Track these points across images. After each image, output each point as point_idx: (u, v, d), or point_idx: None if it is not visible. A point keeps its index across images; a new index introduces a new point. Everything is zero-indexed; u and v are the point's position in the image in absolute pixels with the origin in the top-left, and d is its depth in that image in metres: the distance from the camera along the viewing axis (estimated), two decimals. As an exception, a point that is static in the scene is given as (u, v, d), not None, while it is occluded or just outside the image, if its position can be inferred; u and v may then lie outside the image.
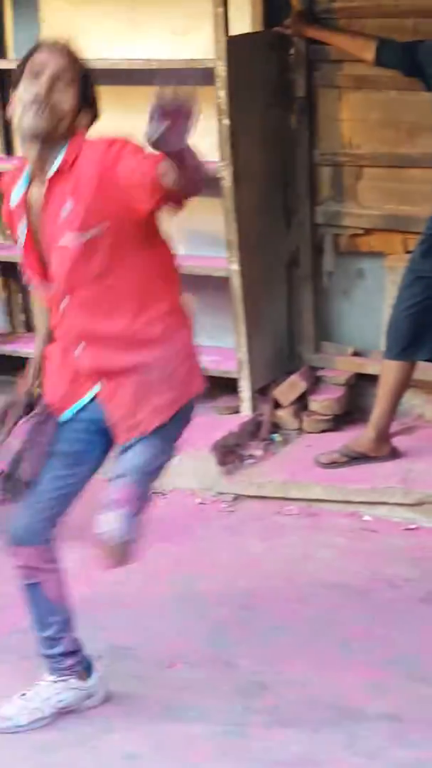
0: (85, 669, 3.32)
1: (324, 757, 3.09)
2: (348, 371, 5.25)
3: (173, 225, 3.27)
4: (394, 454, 4.79)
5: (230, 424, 5.06)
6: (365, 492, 4.57)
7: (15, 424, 3.15)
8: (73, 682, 3.29)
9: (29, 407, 3.16)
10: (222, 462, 4.86)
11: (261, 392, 5.22)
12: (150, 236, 3.01)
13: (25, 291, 5.95)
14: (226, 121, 4.82)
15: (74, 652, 3.30)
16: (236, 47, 4.80)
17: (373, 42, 4.70)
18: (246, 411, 5.16)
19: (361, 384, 5.20)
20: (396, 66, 4.69)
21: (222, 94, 4.79)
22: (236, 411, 5.18)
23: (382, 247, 5.18)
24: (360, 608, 3.73)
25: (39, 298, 3.31)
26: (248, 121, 4.94)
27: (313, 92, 5.15)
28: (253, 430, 5.08)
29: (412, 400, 5.04)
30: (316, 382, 5.27)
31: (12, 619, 3.79)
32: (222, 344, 5.30)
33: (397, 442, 4.85)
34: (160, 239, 3.08)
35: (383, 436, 4.77)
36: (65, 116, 2.96)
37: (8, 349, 5.81)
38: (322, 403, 5.16)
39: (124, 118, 5.44)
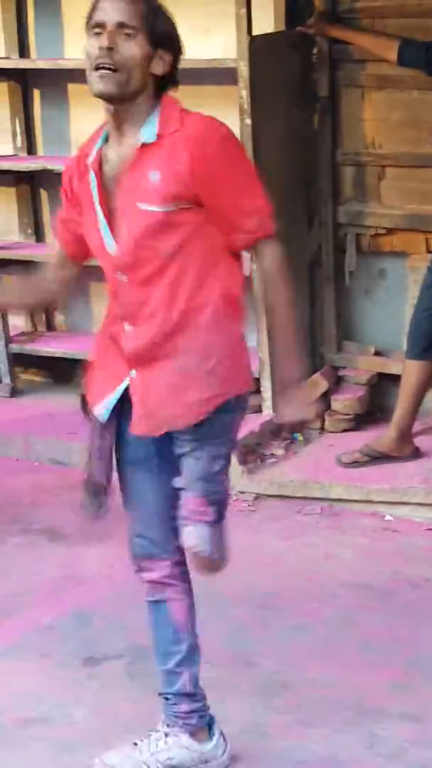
0: (204, 726, 3.02)
1: (345, 757, 3.08)
2: (370, 371, 5.25)
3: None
4: (416, 453, 4.78)
5: (252, 423, 5.01)
6: (387, 492, 4.56)
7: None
8: (185, 740, 2.98)
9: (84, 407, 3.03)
10: (243, 461, 4.84)
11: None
12: None
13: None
14: (248, 121, 4.82)
15: (192, 695, 3.00)
16: (258, 47, 4.80)
17: (395, 42, 4.70)
18: (268, 410, 5.13)
19: (383, 384, 5.19)
20: (419, 66, 4.69)
21: (244, 94, 4.79)
22: (258, 410, 5.15)
23: (404, 246, 5.17)
24: (381, 608, 3.71)
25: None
26: (271, 120, 4.93)
27: (336, 92, 5.16)
28: (274, 430, 5.07)
29: (435, 399, 5.02)
30: (338, 382, 5.26)
31: (34, 616, 3.81)
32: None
33: (419, 441, 4.84)
34: None
35: (405, 436, 4.76)
36: (134, 68, 2.68)
37: (29, 348, 5.81)
38: (343, 402, 5.15)
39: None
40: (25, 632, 3.74)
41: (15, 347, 5.73)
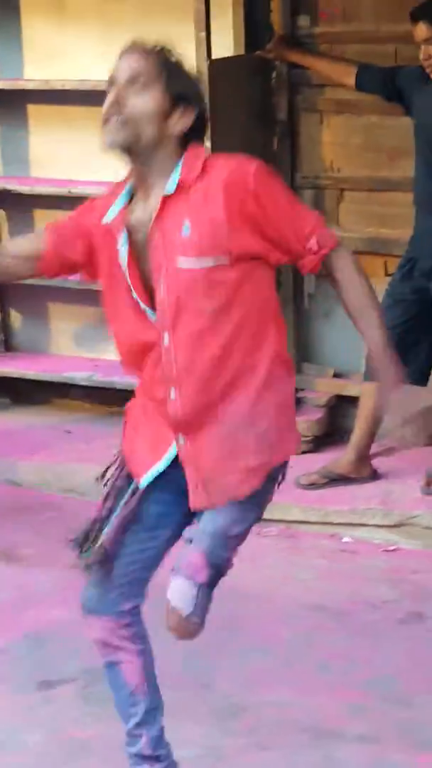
0: None
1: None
2: (328, 393, 5.25)
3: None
4: (375, 475, 4.79)
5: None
6: (345, 513, 4.55)
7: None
8: None
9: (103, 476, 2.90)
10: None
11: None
12: (273, 275, 2.75)
13: (4, 310, 5.95)
14: (208, 143, 4.80)
15: (153, 757, 2.88)
16: (218, 71, 4.80)
17: (353, 67, 4.74)
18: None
19: (342, 405, 5.19)
20: (376, 91, 4.73)
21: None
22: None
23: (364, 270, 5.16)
24: (339, 630, 3.70)
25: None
26: (230, 143, 4.91)
27: (295, 116, 5.18)
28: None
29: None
30: (297, 403, 5.23)
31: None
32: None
33: (378, 463, 4.85)
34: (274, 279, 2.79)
35: (363, 458, 4.76)
36: (148, 122, 2.61)
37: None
38: (302, 424, 5.11)
39: (100, 146, 5.50)
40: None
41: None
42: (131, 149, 2.63)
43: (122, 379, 5.33)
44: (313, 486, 4.71)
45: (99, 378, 5.48)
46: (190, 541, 2.72)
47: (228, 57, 5.03)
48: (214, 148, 4.78)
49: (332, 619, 3.77)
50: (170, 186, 2.62)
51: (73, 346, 5.83)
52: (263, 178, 2.64)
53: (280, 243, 2.65)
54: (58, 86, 5.37)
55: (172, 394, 2.67)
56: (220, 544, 2.73)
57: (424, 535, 4.47)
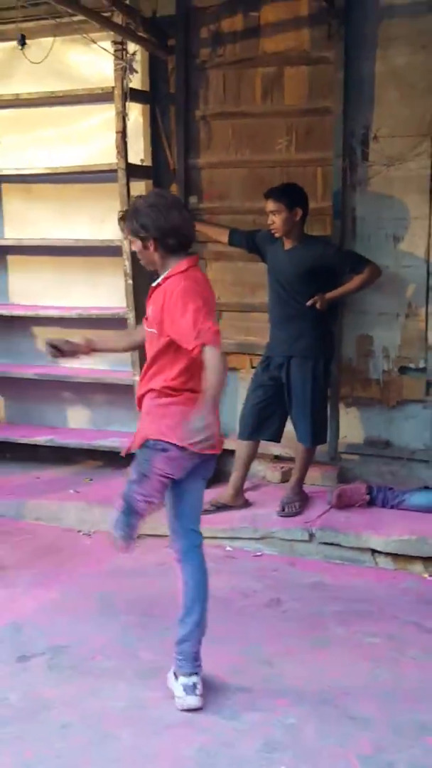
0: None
1: (199, 718, 3.02)
2: (215, 447, 5.25)
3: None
4: (246, 504, 4.76)
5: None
6: (227, 530, 4.52)
7: None
8: None
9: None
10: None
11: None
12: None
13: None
14: (130, 281, 4.87)
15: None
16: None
17: (227, 230, 4.82)
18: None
19: (224, 456, 5.13)
20: (242, 246, 4.80)
21: (127, 263, 4.85)
22: (140, 476, 5.14)
23: (236, 364, 5.19)
24: (223, 612, 3.65)
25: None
26: (145, 280, 4.93)
27: (188, 262, 5.20)
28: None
29: (257, 466, 5.04)
30: (193, 455, 5.25)
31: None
32: (129, 429, 5.17)
33: (248, 495, 4.83)
34: None
35: (239, 492, 4.75)
36: (141, 256, 3.07)
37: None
38: (197, 469, 5.14)
39: (60, 280, 5.52)
40: None
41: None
42: (148, 269, 3.12)
43: (74, 441, 5.34)
44: (205, 512, 4.67)
45: (57, 441, 5.42)
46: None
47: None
48: (134, 284, 4.84)
49: (219, 604, 3.70)
50: (155, 282, 3.07)
51: (40, 418, 5.76)
52: (175, 299, 2.92)
53: (178, 331, 2.92)
54: (27, 243, 5.37)
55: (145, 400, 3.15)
56: (128, 484, 3.04)
57: (281, 544, 4.46)
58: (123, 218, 4.42)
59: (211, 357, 2.84)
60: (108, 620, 3.64)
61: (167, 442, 2.98)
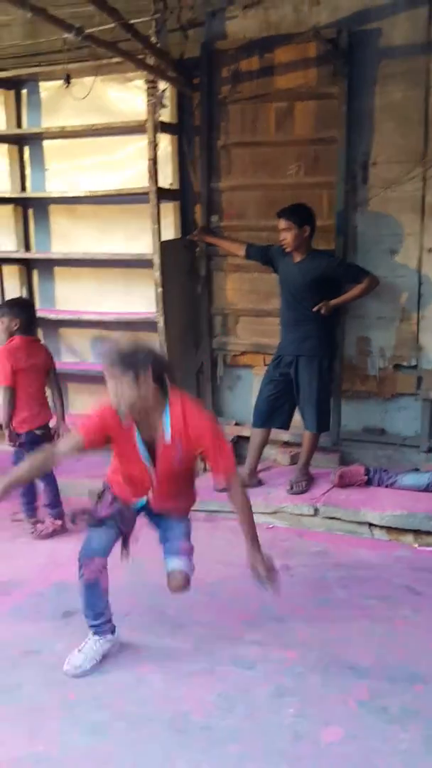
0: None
1: (219, 668, 3.05)
2: (232, 433, 5.21)
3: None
4: (260, 483, 4.75)
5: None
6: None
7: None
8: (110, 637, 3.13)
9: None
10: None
11: (182, 447, 5.20)
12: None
13: None
14: (160, 289, 4.87)
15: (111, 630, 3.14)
16: (166, 247, 4.84)
17: (243, 245, 4.80)
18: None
19: (240, 441, 5.16)
20: (257, 259, 4.78)
21: (157, 274, 4.83)
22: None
23: (250, 362, 5.21)
24: (240, 577, 3.62)
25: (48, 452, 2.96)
26: (173, 289, 4.99)
27: (210, 273, 5.19)
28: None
29: (269, 450, 5.03)
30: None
31: (33, 586, 3.68)
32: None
33: (261, 476, 4.82)
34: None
35: (253, 472, 4.75)
36: (127, 398, 2.73)
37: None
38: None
39: (99, 289, 5.53)
40: (26, 597, 3.63)
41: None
42: (131, 413, 2.78)
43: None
44: (223, 490, 4.69)
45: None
46: (166, 540, 3.05)
47: (171, 239, 5.06)
48: (164, 291, 4.85)
49: (236, 570, 3.72)
50: (167, 436, 2.82)
51: (83, 407, 5.78)
52: (211, 432, 2.85)
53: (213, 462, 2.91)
54: (71, 256, 5.38)
55: (150, 494, 3.02)
56: (187, 537, 3.09)
57: (290, 518, 4.46)
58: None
59: (239, 492, 3.02)
60: (139, 583, 3.66)
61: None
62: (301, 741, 2.64)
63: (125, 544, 3.13)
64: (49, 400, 4.44)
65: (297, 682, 2.96)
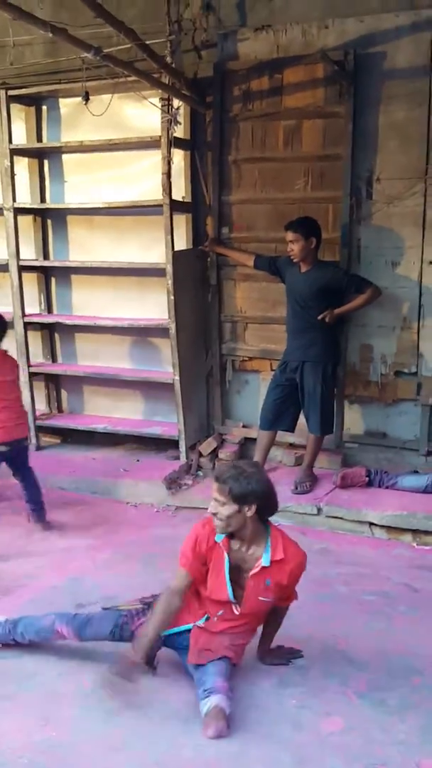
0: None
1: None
2: (239, 435, 5.24)
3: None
4: (266, 482, 4.76)
5: (174, 465, 5.02)
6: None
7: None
8: None
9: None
10: (169, 487, 4.81)
11: (191, 448, 5.20)
12: None
13: (57, 388, 5.91)
14: (172, 297, 4.89)
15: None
16: (178, 257, 4.87)
17: (252, 256, 4.83)
18: (183, 458, 5.14)
19: (248, 443, 5.19)
20: (265, 269, 4.80)
21: (170, 282, 4.86)
22: (177, 458, 5.17)
23: (258, 367, 5.21)
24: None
25: (177, 593, 2.78)
26: (184, 297, 5.01)
27: (221, 282, 5.19)
28: (187, 469, 5.05)
29: (275, 452, 5.05)
30: (222, 442, 5.27)
31: (47, 579, 3.69)
32: (170, 420, 5.30)
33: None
34: None
35: (259, 473, 4.75)
36: (230, 519, 2.66)
37: (49, 422, 5.70)
38: (225, 453, 5.15)
39: (115, 296, 5.55)
40: (42, 590, 3.64)
41: (39, 422, 5.62)
42: (227, 533, 2.73)
43: (124, 429, 5.38)
44: None
45: (110, 428, 5.46)
46: (202, 682, 2.73)
47: (183, 249, 5.07)
48: (176, 299, 4.87)
49: None
50: (266, 561, 2.73)
51: (96, 409, 5.81)
52: (302, 570, 2.79)
53: (287, 592, 2.83)
54: (89, 264, 5.39)
55: (215, 619, 2.82)
56: (226, 676, 2.76)
57: (294, 517, 4.46)
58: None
59: (284, 612, 2.96)
60: (150, 576, 3.66)
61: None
62: (303, 730, 2.64)
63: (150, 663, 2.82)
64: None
65: (299, 674, 2.95)
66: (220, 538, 2.77)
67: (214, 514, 2.68)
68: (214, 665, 2.76)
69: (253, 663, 3.01)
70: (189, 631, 2.84)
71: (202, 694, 2.67)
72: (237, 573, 2.79)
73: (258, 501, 2.66)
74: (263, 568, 2.74)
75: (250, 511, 2.66)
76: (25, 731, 2.63)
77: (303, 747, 2.56)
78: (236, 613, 2.81)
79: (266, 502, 2.70)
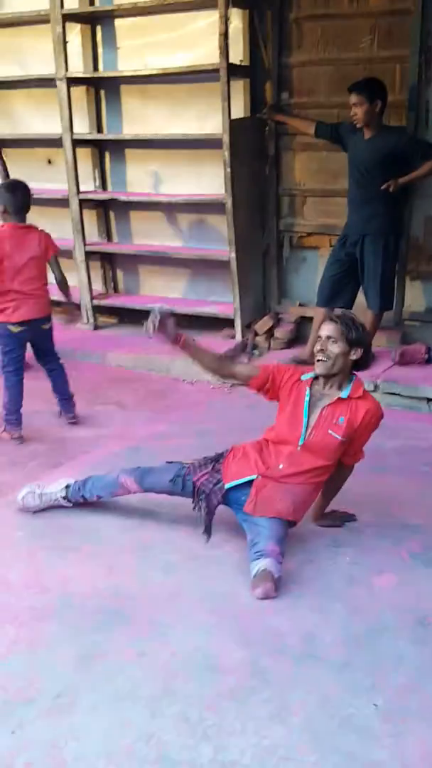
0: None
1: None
2: (296, 314, 5.22)
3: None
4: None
5: (230, 344, 5.04)
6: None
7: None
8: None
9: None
10: (225, 364, 4.86)
11: (247, 326, 5.20)
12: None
13: (113, 267, 5.92)
14: (228, 170, 4.76)
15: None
16: (234, 126, 4.71)
17: (313, 123, 4.64)
18: (239, 337, 5.15)
19: (304, 322, 5.18)
20: (326, 137, 4.62)
21: (226, 154, 4.73)
22: (233, 337, 5.18)
23: (317, 243, 5.11)
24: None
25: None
26: (241, 169, 4.87)
27: (279, 152, 5.05)
28: (243, 348, 5.07)
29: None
30: (278, 320, 5.25)
31: (110, 447, 3.77)
32: (225, 299, 5.28)
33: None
34: None
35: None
36: (337, 358, 2.78)
37: (105, 302, 5.75)
38: (281, 332, 5.15)
39: (169, 170, 5.43)
40: (104, 455, 3.75)
41: (95, 302, 5.67)
42: (327, 375, 2.82)
43: (180, 309, 5.37)
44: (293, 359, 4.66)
45: (165, 308, 5.43)
46: (254, 543, 2.74)
47: (240, 118, 4.91)
48: (232, 172, 4.75)
49: None
50: (344, 394, 2.82)
51: (152, 289, 5.82)
52: (378, 421, 2.84)
53: (355, 445, 2.88)
54: (142, 137, 5.27)
55: (281, 466, 2.83)
56: (280, 540, 2.78)
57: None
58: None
59: (350, 471, 2.99)
60: (204, 445, 3.71)
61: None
62: (355, 584, 2.73)
63: (207, 530, 2.91)
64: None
65: (352, 535, 3.03)
66: (306, 377, 2.87)
67: (321, 351, 2.80)
68: (268, 528, 2.76)
69: (306, 524, 3.08)
70: (250, 484, 2.87)
71: (253, 556, 2.71)
72: (313, 411, 2.84)
73: (363, 347, 2.82)
74: (340, 399, 2.82)
75: (355, 355, 2.80)
76: (91, 578, 2.78)
77: (356, 599, 2.65)
78: (301, 441, 2.82)
79: (366, 356, 2.85)
